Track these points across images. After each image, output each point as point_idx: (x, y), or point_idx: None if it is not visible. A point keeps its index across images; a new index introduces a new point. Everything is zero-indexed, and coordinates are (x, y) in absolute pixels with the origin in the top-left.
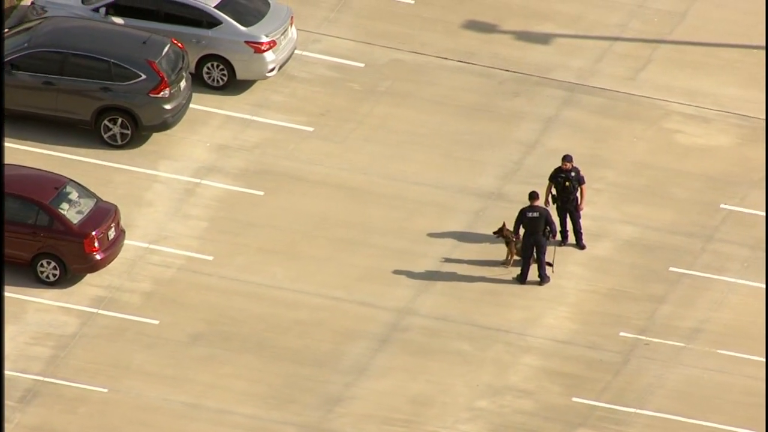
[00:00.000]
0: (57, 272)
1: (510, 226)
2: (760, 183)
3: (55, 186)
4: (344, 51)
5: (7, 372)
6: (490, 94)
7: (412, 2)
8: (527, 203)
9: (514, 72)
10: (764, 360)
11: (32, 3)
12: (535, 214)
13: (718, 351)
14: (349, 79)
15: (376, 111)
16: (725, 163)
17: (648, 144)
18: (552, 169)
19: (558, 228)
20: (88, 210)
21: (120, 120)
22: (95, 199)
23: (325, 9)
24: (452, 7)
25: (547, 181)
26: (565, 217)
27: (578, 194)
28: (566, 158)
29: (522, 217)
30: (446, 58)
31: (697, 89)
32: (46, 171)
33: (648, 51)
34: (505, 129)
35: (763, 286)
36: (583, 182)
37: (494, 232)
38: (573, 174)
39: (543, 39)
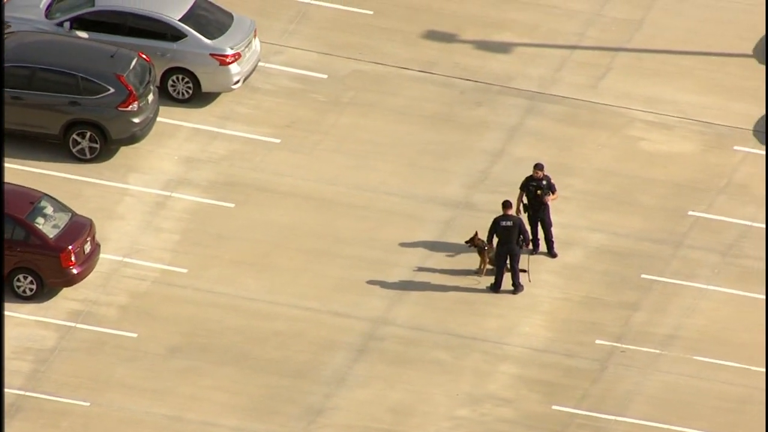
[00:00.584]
0: (34, 287)
1: (482, 236)
2: (726, 189)
3: (31, 201)
4: (306, 62)
5: None
6: (452, 104)
7: (371, 13)
8: (496, 212)
9: (475, 81)
10: (741, 365)
11: None
12: (509, 223)
13: (694, 357)
14: (312, 91)
15: (341, 122)
16: (690, 170)
17: (612, 151)
18: (520, 178)
19: (530, 236)
20: (64, 224)
21: (89, 134)
22: (70, 214)
23: (285, 21)
24: (410, 17)
25: (518, 190)
26: (537, 226)
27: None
28: (537, 166)
29: (495, 227)
30: (407, 68)
31: (657, 96)
32: (20, 185)
33: (607, 59)
34: (470, 138)
35: (734, 291)
36: (554, 190)
37: (466, 242)
38: (544, 182)
39: (502, 48)
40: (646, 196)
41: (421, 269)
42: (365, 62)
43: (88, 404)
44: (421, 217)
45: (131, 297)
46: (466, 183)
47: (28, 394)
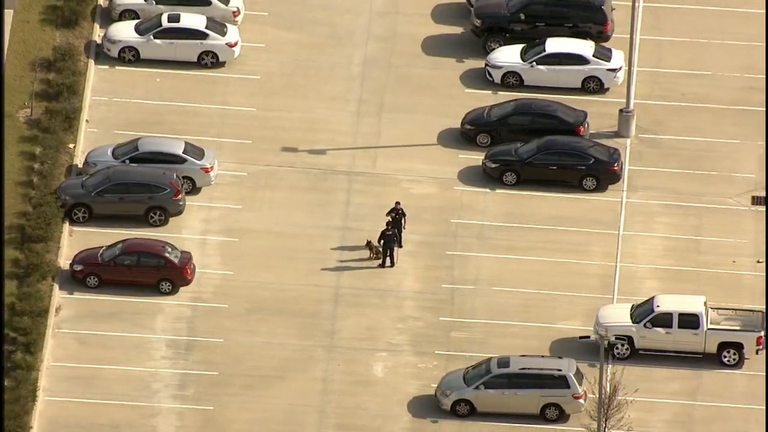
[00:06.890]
0: (170, 287)
1: (373, 240)
2: (462, 208)
3: (162, 245)
4: (233, 167)
5: (169, 336)
6: (313, 181)
7: (250, 142)
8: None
9: (318, 169)
10: (518, 290)
11: (86, 161)
12: (390, 233)
13: (492, 288)
14: (242, 182)
15: (266, 195)
16: (440, 200)
17: (402, 197)
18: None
19: (401, 240)
20: (180, 255)
21: (158, 212)
22: (180, 250)
23: (214, 149)
24: (269, 142)
25: (385, 216)
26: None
27: (403, 221)
28: (397, 203)
29: (383, 234)
30: (282, 166)
31: (406, 168)
32: (150, 239)
33: (373, 152)
34: (329, 196)
35: (496, 255)
36: (404, 215)
37: (365, 244)
38: (401, 211)
39: (321, 152)
40: (427, 215)
41: (342, 260)
42: (261, 165)
43: (222, 340)
44: (328, 235)
45: (214, 287)
46: (340, 217)
47: (193, 338)
